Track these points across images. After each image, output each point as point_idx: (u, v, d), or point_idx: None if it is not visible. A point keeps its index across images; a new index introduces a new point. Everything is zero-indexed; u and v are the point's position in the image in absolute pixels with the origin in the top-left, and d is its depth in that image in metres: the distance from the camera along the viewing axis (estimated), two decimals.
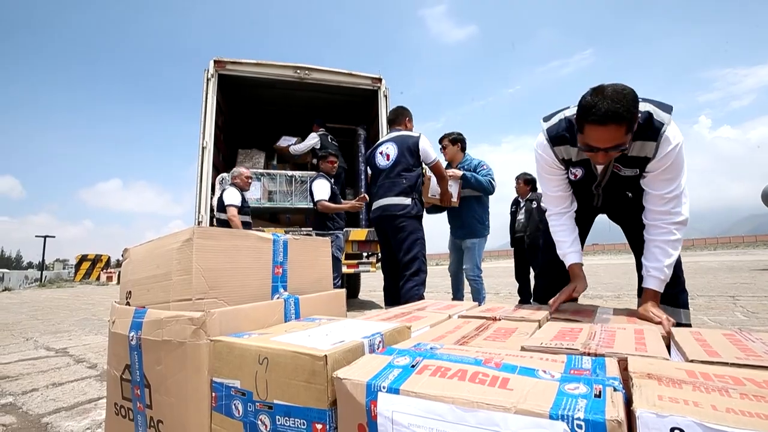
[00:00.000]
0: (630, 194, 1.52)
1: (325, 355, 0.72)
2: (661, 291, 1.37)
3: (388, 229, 2.66)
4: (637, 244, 1.59)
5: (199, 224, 4.20)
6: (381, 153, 2.82)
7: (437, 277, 10.08)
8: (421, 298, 2.25)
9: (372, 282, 9.59)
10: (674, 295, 1.50)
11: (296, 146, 5.12)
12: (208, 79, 4.50)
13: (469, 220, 3.16)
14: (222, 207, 3.91)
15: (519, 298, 4.07)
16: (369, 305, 5.40)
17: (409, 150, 2.68)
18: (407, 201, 2.61)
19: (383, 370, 0.69)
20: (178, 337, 0.94)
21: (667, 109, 1.30)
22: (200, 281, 1.02)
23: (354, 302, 5.83)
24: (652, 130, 1.28)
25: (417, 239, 2.56)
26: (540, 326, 1.17)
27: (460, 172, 3.10)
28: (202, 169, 4.32)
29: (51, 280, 22.36)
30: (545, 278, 1.78)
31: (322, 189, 3.73)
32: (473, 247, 3.19)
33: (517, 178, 4.12)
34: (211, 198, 4.32)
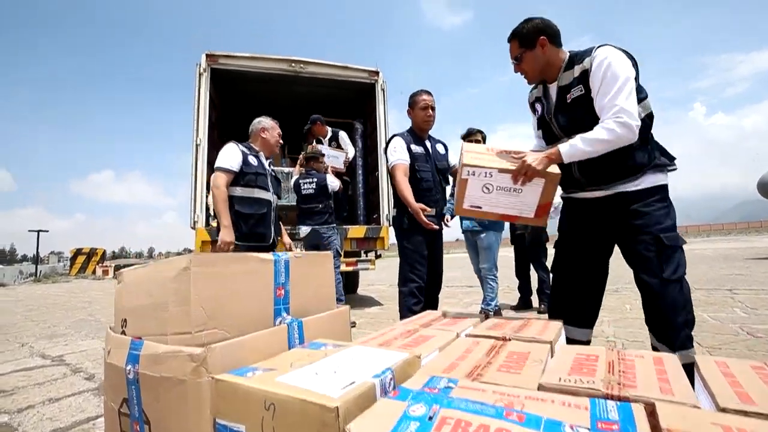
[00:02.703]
0: (577, 117, 1.51)
1: (337, 407, 0.68)
2: (564, 152, 1.39)
3: None
4: (587, 168, 1.52)
5: (194, 224, 4.12)
6: None
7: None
8: (410, 310, 2.18)
9: (371, 276, 9.57)
10: (675, 330, 1.39)
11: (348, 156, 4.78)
12: (200, 74, 4.37)
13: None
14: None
15: (519, 295, 4.06)
16: (368, 301, 5.39)
17: None
18: (394, 212, 2.40)
19: (398, 424, 0.64)
20: (177, 374, 0.89)
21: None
22: (199, 312, 0.97)
23: (353, 297, 5.82)
24: (587, 52, 1.45)
25: (400, 250, 2.34)
26: (552, 348, 1.14)
27: None
28: (197, 167, 4.23)
29: (46, 274, 22.21)
30: (560, 282, 1.72)
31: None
32: (491, 246, 3.24)
33: None
34: (207, 196, 4.23)
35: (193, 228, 4.17)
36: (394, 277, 8.43)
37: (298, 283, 1.27)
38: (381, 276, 9.37)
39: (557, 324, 1.40)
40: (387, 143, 2.35)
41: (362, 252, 4.69)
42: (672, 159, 1.53)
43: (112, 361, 1.06)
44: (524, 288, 4.01)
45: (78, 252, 23.90)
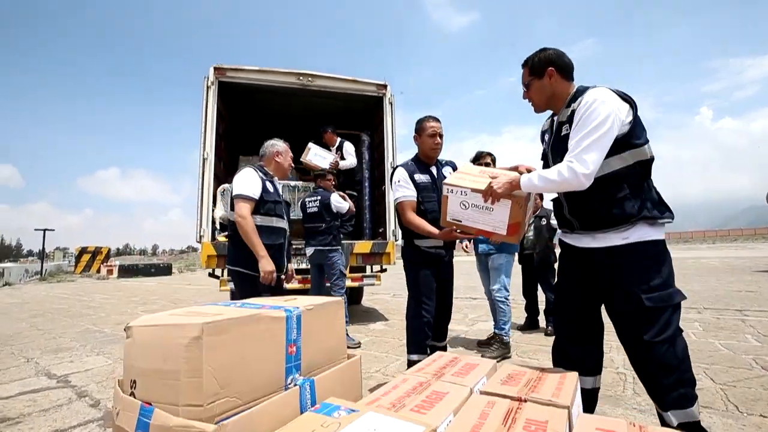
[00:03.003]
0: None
1: None
2: (522, 182, 1.45)
3: None
4: (576, 211, 1.51)
5: (200, 238, 4.11)
6: None
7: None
8: (419, 346, 2.15)
9: (374, 287, 9.55)
10: (664, 390, 1.33)
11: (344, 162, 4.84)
12: (208, 87, 4.36)
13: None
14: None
15: (526, 315, 4.03)
16: (372, 314, 5.36)
17: None
18: (401, 243, 2.38)
19: None
20: None
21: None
22: (211, 383, 0.95)
23: (357, 309, 5.80)
24: (581, 92, 1.45)
25: (408, 283, 2.27)
26: (570, 414, 1.11)
27: None
28: (203, 181, 4.22)
29: (51, 273, 22.36)
30: (560, 315, 1.68)
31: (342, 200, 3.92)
32: (500, 267, 3.16)
33: None
34: (213, 210, 4.22)
35: (199, 242, 4.16)
36: (397, 286, 8.40)
37: (310, 336, 1.25)
38: (384, 285, 9.33)
39: (572, 379, 1.37)
40: (391, 175, 2.30)
41: (368, 268, 4.66)
42: (666, 211, 1.43)
43: (121, 424, 1.04)
44: (531, 308, 3.97)
45: (83, 251, 24.08)
